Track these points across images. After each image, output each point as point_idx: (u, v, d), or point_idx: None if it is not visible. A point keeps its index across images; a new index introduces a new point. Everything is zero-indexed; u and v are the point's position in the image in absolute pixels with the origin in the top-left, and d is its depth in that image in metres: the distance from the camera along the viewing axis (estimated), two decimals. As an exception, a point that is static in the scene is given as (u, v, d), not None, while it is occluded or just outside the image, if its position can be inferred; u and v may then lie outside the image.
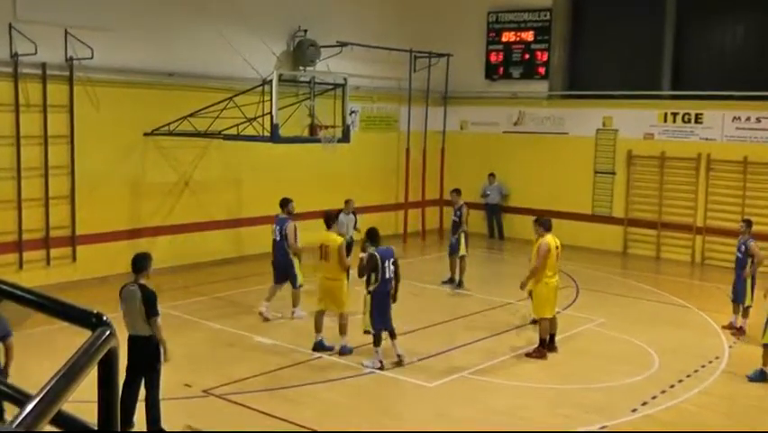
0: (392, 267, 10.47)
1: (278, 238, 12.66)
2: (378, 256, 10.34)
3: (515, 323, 12.71)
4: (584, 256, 17.95)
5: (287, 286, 12.75)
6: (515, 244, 19.81)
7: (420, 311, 13.55)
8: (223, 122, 14.58)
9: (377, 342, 10.40)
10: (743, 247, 12.27)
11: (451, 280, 15.42)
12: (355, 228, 14.59)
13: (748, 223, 12.67)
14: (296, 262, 12.54)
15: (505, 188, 21.08)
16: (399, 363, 10.43)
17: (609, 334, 12.32)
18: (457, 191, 15.65)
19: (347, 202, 14.72)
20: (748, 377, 10.07)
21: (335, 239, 11.03)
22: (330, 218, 11.45)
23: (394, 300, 10.63)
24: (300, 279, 12.54)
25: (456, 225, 15.22)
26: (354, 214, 14.84)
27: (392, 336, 10.54)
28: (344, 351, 10.86)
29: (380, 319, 10.42)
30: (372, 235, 10.66)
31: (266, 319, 12.46)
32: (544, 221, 11.34)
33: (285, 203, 12.88)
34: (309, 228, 13.22)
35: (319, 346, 10.99)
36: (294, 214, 12.85)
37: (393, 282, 10.54)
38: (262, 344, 11.44)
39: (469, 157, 21.70)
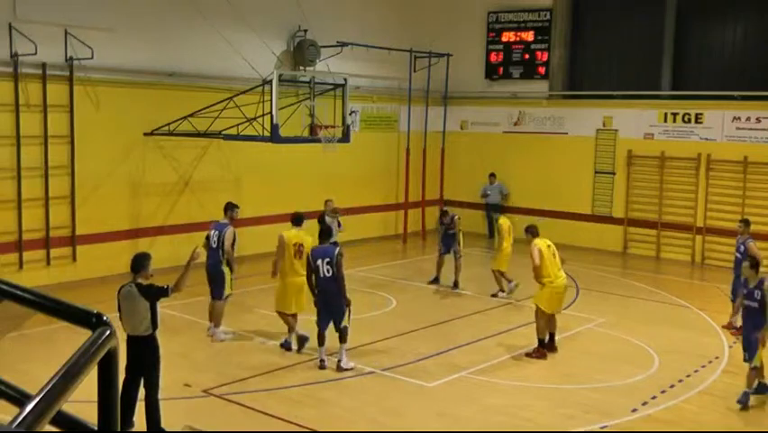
0: (327, 267, 10.13)
1: (214, 245, 11.43)
2: (310, 257, 10.28)
3: (515, 323, 12.70)
4: (584, 256, 17.95)
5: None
6: (514, 244, 19.78)
7: (420, 311, 13.56)
8: (223, 122, 14.59)
9: (319, 341, 10.35)
10: (741, 247, 12.26)
11: (436, 280, 15.44)
12: (339, 228, 14.24)
13: (746, 222, 12.67)
14: (227, 271, 11.45)
15: (505, 188, 21.07)
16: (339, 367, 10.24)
17: (609, 334, 12.32)
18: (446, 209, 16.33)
19: (327, 202, 14.64)
20: (738, 402, 9.20)
21: (308, 239, 11.00)
22: (299, 218, 11.36)
23: (346, 302, 10.23)
24: (228, 289, 11.52)
25: (450, 237, 15.16)
26: (336, 213, 14.69)
27: (339, 339, 10.26)
28: (303, 341, 10.93)
29: (320, 318, 10.31)
30: (320, 233, 10.65)
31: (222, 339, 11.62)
32: (530, 228, 11.59)
33: (230, 207, 11.84)
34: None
35: (304, 341, 10.98)
36: (235, 220, 11.94)
37: (335, 282, 10.19)
38: (262, 344, 11.44)
39: (469, 157, 21.71)
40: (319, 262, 10.15)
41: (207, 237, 11.62)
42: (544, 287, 11.10)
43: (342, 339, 10.25)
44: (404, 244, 20.50)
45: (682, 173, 18.69)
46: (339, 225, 14.39)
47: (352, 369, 10.20)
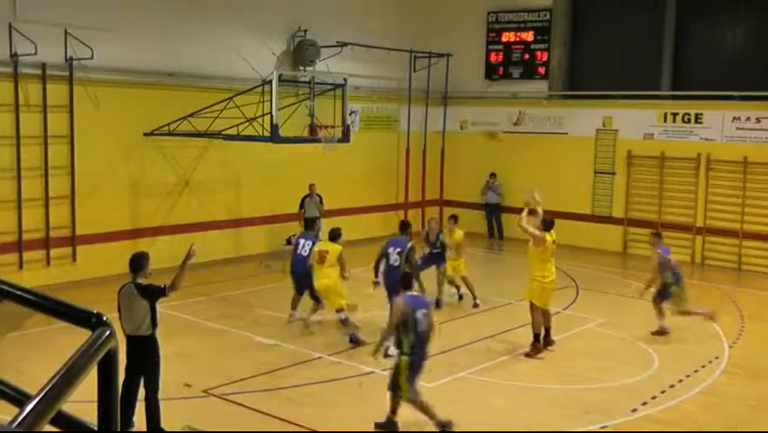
0: (396, 256, 11.25)
1: (305, 253, 12.04)
2: (385, 243, 11.63)
3: (514, 323, 12.69)
4: (584, 256, 17.95)
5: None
6: (514, 243, 19.77)
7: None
8: (223, 122, 14.58)
9: None
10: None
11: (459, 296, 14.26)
12: (321, 204, 16.34)
13: (658, 236, 12.69)
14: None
15: (499, 188, 20.98)
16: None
17: (610, 334, 12.32)
18: (435, 219, 14.75)
19: (311, 186, 16.55)
20: None
21: (336, 247, 11.61)
22: (335, 235, 11.84)
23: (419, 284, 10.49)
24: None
25: (436, 256, 13.55)
26: (318, 195, 16.46)
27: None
28: (354, 339, 11.32)
29: (388, 298, 11.02)
30: (401, 225, 12.29)
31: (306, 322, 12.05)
32: (547, 221, 11.55)
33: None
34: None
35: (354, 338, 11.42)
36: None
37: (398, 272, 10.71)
38: (262, 344, 11.44)
39: (469, 157, 21.70)
40: (390, 249, 11.32)
41: (300, 246, 12.17)
42: (534, 282, 11.15)
43: None
44: (404, 244, 20.47)
45: (682, 173, 18.69)
46: (321, 201, 16.43)
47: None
